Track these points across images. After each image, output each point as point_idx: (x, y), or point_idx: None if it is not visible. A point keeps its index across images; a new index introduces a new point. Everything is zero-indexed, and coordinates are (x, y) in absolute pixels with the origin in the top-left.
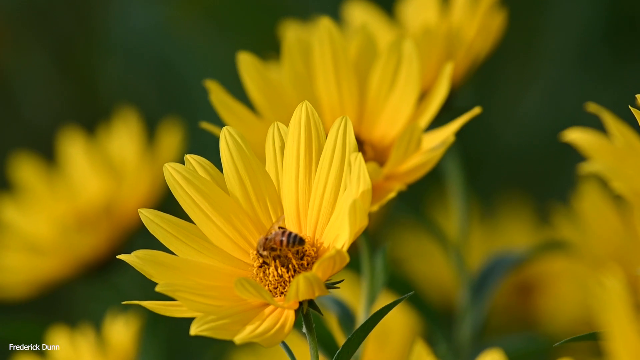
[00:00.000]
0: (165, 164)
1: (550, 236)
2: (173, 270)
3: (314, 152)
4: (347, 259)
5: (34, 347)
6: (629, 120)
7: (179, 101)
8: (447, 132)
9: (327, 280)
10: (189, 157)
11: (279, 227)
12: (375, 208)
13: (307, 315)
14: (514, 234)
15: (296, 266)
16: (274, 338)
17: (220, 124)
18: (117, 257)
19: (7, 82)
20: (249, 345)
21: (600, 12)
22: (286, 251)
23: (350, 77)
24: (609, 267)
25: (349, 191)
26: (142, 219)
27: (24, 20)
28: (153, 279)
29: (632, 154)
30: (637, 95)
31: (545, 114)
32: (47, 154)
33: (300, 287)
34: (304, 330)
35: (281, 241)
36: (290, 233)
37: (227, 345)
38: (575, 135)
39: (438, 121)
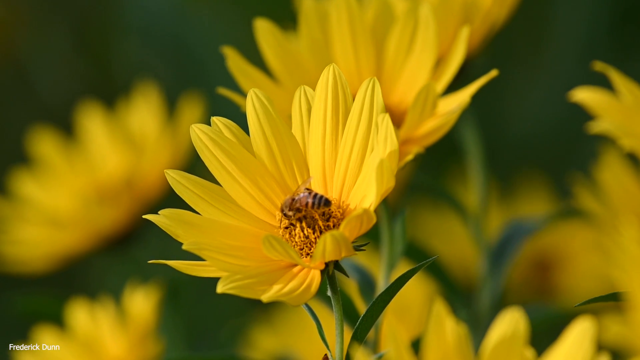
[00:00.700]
0: (192, 125)
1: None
2: (199, 229)
3: (341, 114)
4: (374, 219)
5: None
6: None
7: (194, 80)
8: (464, 95)
9: (353, 242)
10: (215, 119)
11: (305, 189)
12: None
13: (333, 277)
14: (532, 209)
15: (322, 227)
16: (300, 297)
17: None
18: (144, 216)
19: (24, 61)
20: (267, 322)
21: (606, 5)
22: (312, 212)
23: (367, 43)
24: (625, 217)
25: (376, 152)
26: (168, 180)
27: (41, 0)
28: (179, 239)
29: None
30: None
31: (551, 105)
32: (65, 131)
33: (328, 245)
34: (329, 293)
35: (307, 202)
36: (316, 194)
37: (244, 321)
38: (584, 95)
39: (454, 90)
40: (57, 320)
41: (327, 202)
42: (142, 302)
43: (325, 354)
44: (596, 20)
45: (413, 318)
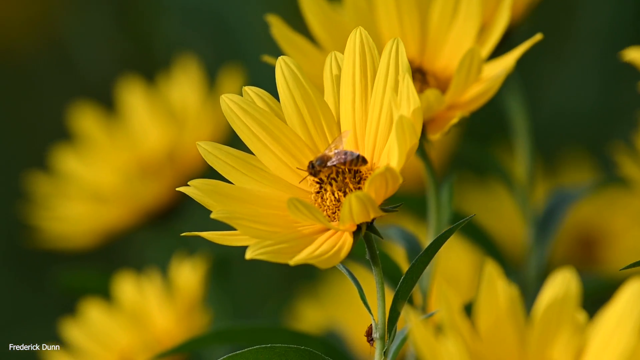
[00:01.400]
0: (222, 96)
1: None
2: (232, 199)
3: (369, 77)
4: (400, 178)
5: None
6: None
7: (232, 55)
8: (509, 60)
9: (384, 204)
10: (247, 89)
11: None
12: (437, 136)
13: (369, 239)
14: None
15: (353, 189)
16: (329, 260)
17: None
18: (177, 189)
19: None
20: (312, 295)
21: None
22: (344, 172)
23: (412, 10)
24: None
25: (398, 110)
26: (200, 152)
27: None
28: (212, 209)
29: None
30: None
31: (584, 82)
32: (106, 106)
33: (354, 206)
34: (367, 256)
35: (344, 159)
36: (352, 152)
37: (290, 295)
38: (635, 54)
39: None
40: (102, 294)
41: (364, 160)
42: (189, 275)
43: (370, 325)
44: (620, 11)
45: (461, 289)
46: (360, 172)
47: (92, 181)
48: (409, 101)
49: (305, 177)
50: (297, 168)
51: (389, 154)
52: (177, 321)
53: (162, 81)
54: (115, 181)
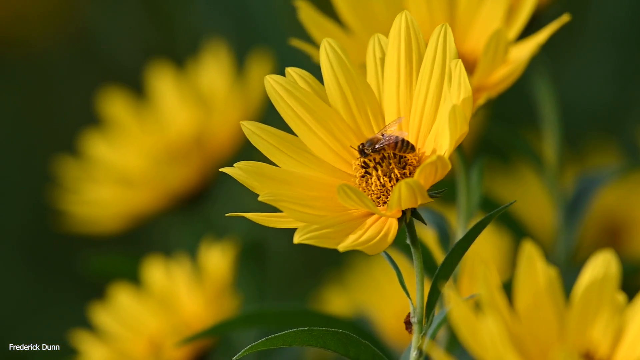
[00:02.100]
0: (267, 76)
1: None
2: (275, 180)
3: (414, 61)
4: (449, 166)
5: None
6: None
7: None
8: (535, 42)
9: (429, 190)
10: (290, 70)
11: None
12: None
13: (411, 225)
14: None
15: (399, 175)
16: (377, 246)
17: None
18: (220, 170)
19: (90, 28)
20: (338, 282)
21: None
22: (389, 157)
23: None
24: None
25: (450, 98)
26: (244, 131)
27: None
28: (255, 191)
29: None
30: None
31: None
32: (135, 91)
33: (403, 193)
34: (408, 241)
35: (395, 144)
36: (403, 139)
37: (316, 281)
38: None
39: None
40: (130, 278)
41: (413, 148)
42: (218, 259)
43: (409, 313)
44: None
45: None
46: (405, 157)
47: (120, 165)
48: (459, 89)
49: (356, 158)
50: (350, 147)
51: (439, 140)
52: (206, 305)
53: (190, 66)
54: (143, 165)
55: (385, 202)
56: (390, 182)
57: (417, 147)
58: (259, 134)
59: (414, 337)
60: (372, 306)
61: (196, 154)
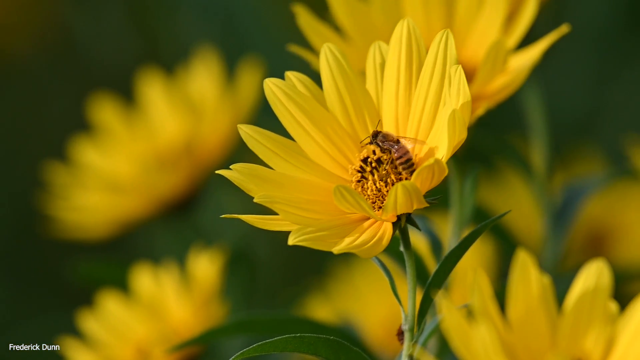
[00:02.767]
0: (266, 80)
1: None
2: (272, 183)
3: (415, 67)
4: (446, 171)
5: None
6: None
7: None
8: (535, 52)
9: (425, 196)
10: (289, 74)
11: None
12: None
13: (405, 230)
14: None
15: (395, 180)
16: (371, 250)
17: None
18: (217, 172)
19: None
20: (322, 290)
21: None
22: (388, 162)
23: (438, 0)
24: None
25: (449, 103)
26: (241, 135)
27: None
28: (251, 194)
29: None
30: None
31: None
32: (124, 97)
33: (399, 196)
34: (401, 248)
35: (402, 155)
36: (411, 157)
37: (299, 289)
38: None
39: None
40: (118, 285)
41: (411, 166)
42: (207, 266)
43: (401, 325)
44: (613, 8)
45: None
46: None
47: (109, 172)
48: (459, 94)
49: (363, 140)
50: (360, 143)
51: (438, 146)
52: (194, 313)
53: (180, 72)
54: (132, 172)
55: (380, 207)
56: (386, 186)
57: (414, 153)
58: (256, 138)
59: (405, 345)
60: (355, 314)
61: (185, 160)
